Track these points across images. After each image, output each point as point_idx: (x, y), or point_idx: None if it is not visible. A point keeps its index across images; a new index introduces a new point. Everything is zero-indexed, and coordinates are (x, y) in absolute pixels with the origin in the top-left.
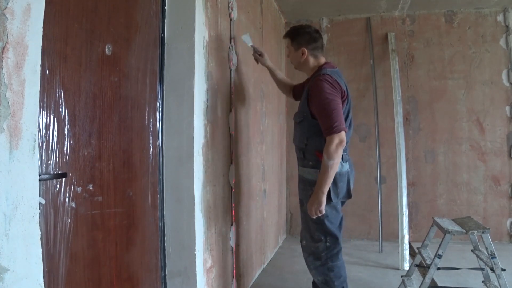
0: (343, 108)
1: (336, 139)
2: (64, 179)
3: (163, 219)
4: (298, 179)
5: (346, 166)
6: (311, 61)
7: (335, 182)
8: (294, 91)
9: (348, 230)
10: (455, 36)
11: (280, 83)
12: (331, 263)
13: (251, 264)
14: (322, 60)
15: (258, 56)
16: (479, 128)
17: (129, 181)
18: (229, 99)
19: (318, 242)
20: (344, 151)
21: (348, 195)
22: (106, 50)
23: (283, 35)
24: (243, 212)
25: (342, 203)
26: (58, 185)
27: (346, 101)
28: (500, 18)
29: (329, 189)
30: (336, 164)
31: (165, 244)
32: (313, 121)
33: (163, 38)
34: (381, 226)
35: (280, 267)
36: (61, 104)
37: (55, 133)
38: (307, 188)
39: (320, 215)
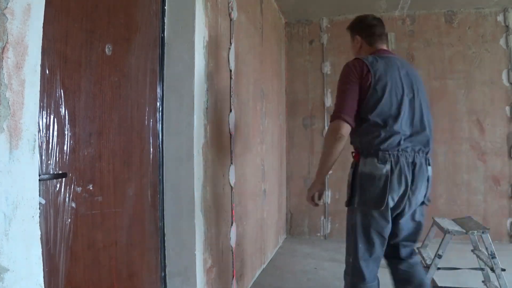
0: (371, 93)
1: (331, 126)
2: (64, 179)
3: (163, 219)
4: None
5: (384, 168)
6: (366, 48)
7: (361, 183)
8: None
9: None
10: (455, 36)
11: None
12: (348, 279)
13: (251, 264)
14: (378, 47)
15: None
16: (479, 128)
17: (129, 181)
18: (229, 99)
19: (347, 254)
20: (389, 149)
21: (380, 204)
22: (106, 50)
23: (288, 30)
24: (243, 212)
25: (398, 215)
26: (58, 185)
27: (370, 86)
28: (500, 18)
29: (352, 190)
30: (328, 155)
31: (165, 244)
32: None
33: (163, 38)
34: None
35: (280, 267)
36: (61, 104)
37: (55, 133)
38: (347, 190)
39: (310, 202)
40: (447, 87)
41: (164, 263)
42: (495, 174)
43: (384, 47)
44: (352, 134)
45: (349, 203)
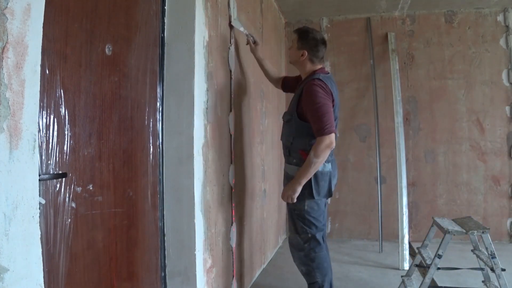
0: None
1: (326, 140)
2: (64, 179)
3: (163, 219)
4: (283, 175)
5: (329, 166)
6: (308, 65)
7: (317, 180)
8: (284, 83)
9: (348, 230)
10: (455, 36)
11: (268, 74)
12: (313, 253)
13: (251, 264)
14: (318, 66)
15: (252, 44)
16: (479, 128)
17: (129, 181)
18: (229, 99)
19: (302, 234)
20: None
21: (329, 193)
22: (106, 50)
23: (288, 30)
24: (243, 212)
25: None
26: (58, 185)
27: (334, 106)
28: (500, 18)
29: (311, 187)
30: (319, 163)
31: (165, 244)
32: (300, 122)
33: (163, 38)
34: (381, 226)
35: (280, 267)
36: (61, 104)
37: (55, 133)
38: None
39: (290, 202)
40: (447, 87)
41: (164, 263)
42: (495, 174)
43: (320, 66)
44: (303, 137)
45: (304, 193)
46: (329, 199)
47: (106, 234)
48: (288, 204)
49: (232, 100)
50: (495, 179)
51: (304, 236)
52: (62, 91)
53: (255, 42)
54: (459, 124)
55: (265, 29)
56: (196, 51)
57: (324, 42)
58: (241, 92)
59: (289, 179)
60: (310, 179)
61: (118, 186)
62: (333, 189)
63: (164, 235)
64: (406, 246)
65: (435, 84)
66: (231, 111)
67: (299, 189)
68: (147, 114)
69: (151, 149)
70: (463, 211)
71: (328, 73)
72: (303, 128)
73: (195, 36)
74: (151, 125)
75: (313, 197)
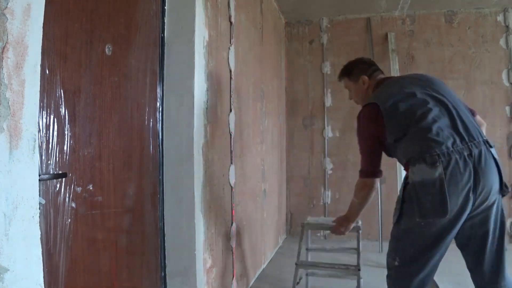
0: (390, 119)
1: (360, 182)
2: (64, 179)
3: (163, 219)
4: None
5: (436, 172)
6: (371, 83)
7: (417, 195)
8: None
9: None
10: (455, 36)
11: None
12: (397, 284)
13: (251, 264)
14: (380, 78)
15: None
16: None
17: (129, 181)
18: (229, 99)
19: (389, 256)
20: (431, 153)
21: (441, 211)
22: (106, 50)
23: (288, 30)
24: (243, 212)
25: (453, 222)
26: (58, 185)
27: (388, 111)
28: (500, 18)
29: (412, 202)
30: (360, 205)
31: (165, 244)
32: (389, 143)
33: (163, 38)
34: (381, 226)
35: (280, 267)
36: (61, 104)
37: (55, 133)
38: (396, 207)
39: (340, 235)
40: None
41: (164, 263)
42: None
43: (382, 75)
44: (397, 156)
45: (403, 215)
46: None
47: (106, 234)
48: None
49: (232, 100)
50: None
51: (390, 260)
52: (62, 91)
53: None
54: None
55: (265, 29)
56: (196, 51)
57: (367, 59)
58: (241, 92)
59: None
60: (403, 196)
61: (118, 186)
62: (455, 206)
63: (164, 235)
64: None
65: None
66: (231, 111)
67: (350, 226)
68: (147, 114)
69: (151, 149)
70: None
71: (390, 79)
72: (392, 148)
73: (195, 36)
74: (151, 125)
75: (408, 216)
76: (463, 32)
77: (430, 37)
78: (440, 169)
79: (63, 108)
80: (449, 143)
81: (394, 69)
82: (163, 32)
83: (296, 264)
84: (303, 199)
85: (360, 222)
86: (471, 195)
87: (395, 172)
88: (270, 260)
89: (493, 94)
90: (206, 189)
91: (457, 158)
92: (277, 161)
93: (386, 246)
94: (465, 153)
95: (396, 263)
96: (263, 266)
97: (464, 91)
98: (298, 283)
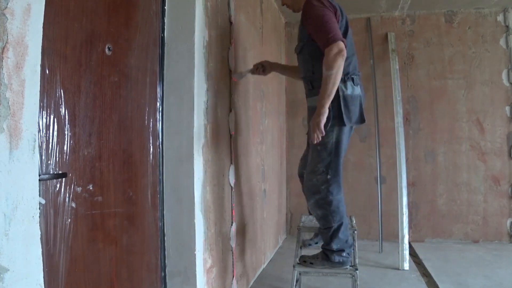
0: (338, 24)
1: (334, 48)
2: (64, 179)
3: (163, 219)
4: (307, 113)
5: (358, 90)
6: None
7: (347, 105)
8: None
9: None
10: (455, 36)
11: (292, 73)
12: (331, 197)
13: (251, 264)
14: None
15: (262, 72)
16: (479, 128)
17: (129, 181)
18: (229, 99)
19: (318, 174)
20: (355, 74)
21: (361, 119)
22: (106, 50)
23: (288, 30)
24: (243, 212)
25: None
26: (58, 185)
27: (341, 19)
28: (500, 18)
29: (341, 112)
30: (336, 75)
31: (165, 244)
32: (313, 43)
33: (163, 38)
34: (381, 226)
35: (280, 268)
36: (61, 104)
37: (55, 133)
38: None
39: (320, 135)
40: (447, 87)
41: (164, 263)
42: (495, 174)
43: None
44: (320, 61)
45: (334, 123)
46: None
47: (106, 234)
48: (308, 141)
49: (232, 100)
50: (495, 179)
51: (321, 178)
52: (62, 91)
53: (263, 69)
54: (459, 124)
55: (265, 29)
56: (196, 51)
57: None
58: (241, 92)
59: (314, 112)
60: (339, 105)
61: (118, 186)
62: (364, 115)
63: (164, 235)
64: (406, 246)
65: (435, 84)
66: (231, 111)
67: (325, 114)
68: (147, 114)
69: (151, 149)
70: (463, 211)
71: None
72: (319, 51)
73: (195, 36)
74: (151, 125)
75: (344, 124)
76: (463, 32)
77: (430, 37)
78: (359, 88)
79: (63, 108)
80: (359, 74)
81: (394, 69)
82: (163, 32)
83: (293, 266)
84: (303, 199)
85: (354, 221)
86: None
87: (395, 172)
88: (270, 260)
89: (493, 94)
90: (206, 189)
91: (360, 85)
92: (277, 161)
93: (386, 246)
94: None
95: (329, 177)
96: (263, 266)
97: (464, 91)
98: (297, 281)
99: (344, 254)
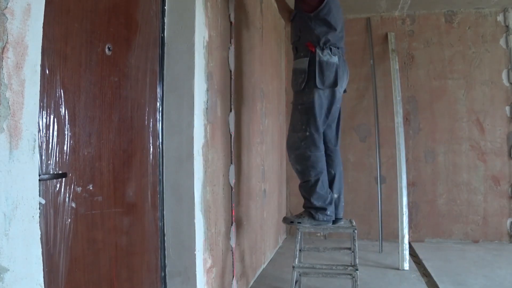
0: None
1: None
2: (64, 179)
3: (163, 219)
4: (291, 75)
5: (335, 59)
6: None
7: (321, 69)
8: None
9: None
10: (455, 36)
11: (283, 6)
12: (309, 152)
13: (251, 264)
14: None
15: None
16: (479, 128)
17: (129, 181)
18: (229, 99)
19: (299, 132)
20: (335, 46)
21: (335, 83)
22: (106, 50)
23: (288, 31)
24: (243, 212)
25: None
26: (58, 185)
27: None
28: (500, 18)
29: (315, 75)
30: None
31: (165, 244)
32: (303, 14)
33: (163, 38)
34: (381, 226)
35: (280, 268)
36: (61, 104)
37: (55, 133)
38: (298, 76)
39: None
40: (447, 87)
41: (164, 263)
42: (495, 174)
43: None
44: (309, 30)
45: (310, 84)
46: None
47: (106, 234)
48: (295, 98)
49: (232, 100)
50: (495, 179)
51: (301, 135)
52: (62, 91)
53: None
54: (459, 124)
55: (265, 29)
56: (196, 51)
57: None
58: (241, 92)
59: (296, 73)
60: (315, 69)
61: (118, 186)
62: (342, 85)
63: (164, 235)
64: (406, 246)
65: (435, 84)
66: (231, 111)
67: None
68: (147, 114)
69: (151, 149)
70: (463, 211)
71: None
72: (306, 21)
73: (195, 36)
74: (151, 125)
75: (316, 86)
76: (463, 32)
77: (430, 37)
78: (336, 58)
79: (63, 108)
80: (341, 45)
81: (394, 69)
82: (163, 32)
83: (293, 266)
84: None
85: (354, 222)
86: (344, 81)
87: (395, 172)
88: (270, 260)
89: (493, 94)
90: (206, 189)
91: (341, 56)
92: (277, 161)
93: (386, 246)
94: (341, 54)
95: (307, 134)
96: (263, 266)
97: (464, 91)
98: (296, 282)
99: (328, 212)
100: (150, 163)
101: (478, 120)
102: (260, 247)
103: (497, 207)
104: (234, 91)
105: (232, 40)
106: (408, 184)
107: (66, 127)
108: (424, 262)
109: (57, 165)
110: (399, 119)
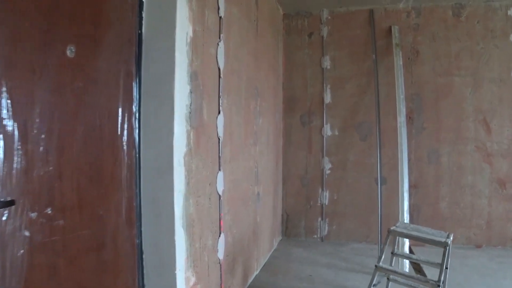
0: None
1: None
2: (13, 207)
3: (141, 236)
4: None
5: None
6: None
7: None
8: None
9: (347, 233)
10: (463, 30)
11: None
12: None
13: (242, 273)
14: None
15: None
16: (485, 128)
17: (98, 199)
18: (218, 100)
19: None
20: None
21: None
22: (68, 52)
23: (286, 23)
24: (233, 220)
25: None
26: (6, 214)
27: None
28: (511, 12)
29: None
30: None
31: (144, 263)
32: None
33: (140, 35)
34: (381, 229)
35: (274, 274)
36: (9, 118)
37: (1, 153)
38: None
39: None
40: (453, 84)
41: (143, 283)
42: (500, 176)
43: None
44: None
45: None
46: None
47: (70, 260)
48: None
49: (221, 101)
50: (500, 182)
51: None
52: (9, 102)
53: None
54: (465, 123)
55: (260, 22)
56: (178, 49)
57: None
58: (232, 92)
59: None
60: None
61: (84, 205)
62: None
63: (142, 253)
64: (407, 250)
65: (440, 81)
66: (219, 113)
67: None
68: (120, 122)
69: (126, 161)
70: (467, 215)
71: None
72: None
73: (176, 32)
74: (125, 134)
75: None
76: (471, 27)
77: (436, 31)
78: None
79: (12, 122)
80: None
81: (397, 64)
82: (140, 28)
83: (375, 266)
84: (299, 200)
85: (451, 238)
86: None
87: (396, 173)
88: (264, 265)
89: (502, 92)
90: (189, 202)
91: None
92: (273, 161)
93: (386, 250)
94: None
95: None
96: (256, 272)
97: (471, 89)
98: (375, 285)
99: None
100: (124, 177)
101: (485, 119)
102: (253, 253)
103: (502, 211)
104: (223, 91)
105: (222, 36)
106: (410, 186)
107: (16, 144)
108: (425, 269)
109: (4, 191)
110: (402, 118)
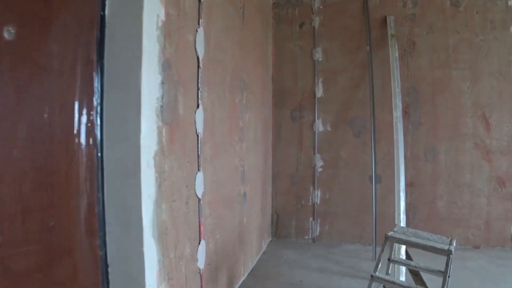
0: None
1: None
2: None
3: (105, 247)
4: None
5: None
6: None
7: None
8: None
9: (339, 233)
10: (461, 21)
11: None
12: None
13: (228, 280)
14: None
15: None
16: (484, 124)
17: (48, 207)
18: (196, 92)
19: None
20: None
21: None
22: (6, 34)
23: (276, 12)
24: (215, 224)
25: None
26: None
27: None
28: (511, 2)
29: None
30: None
31: (109, 276)
32: None
33: (103, 17)
34: (375, 229)
35: (262, 279)
36: None
37: None
38: None
39: None
40: (451, 78)
41: None
42: (500, 175)
43: None
44: None
45: None
46: None
47: (13, 282)
48: None
49: (200, 93)
50: (500, 180)
51: None
52: None
53: None
54: (463, 119)
55: (247, 10)
56: (145, 34)
57: None
58: (213, 84)
59: None
60: None
61: (29, 216)
62: None
63: (107, 266)
64: (403, 252)
65: (438, 74)
66: (198, 107)
67: None
68: (77, 116)
69: (85, 162)
70: (465, 214)
71: None
72: None
73: (143, 14)
74: (83, 131)
75: None
76: (470, 17)
77: (434, 22)
78: None
79: None
80: None
81: (393, 57)
82: (103, 9)
83: (371, 276)
84: (290, 199)
85: (454, 244)
86: None
87: (391, 171)
88: (252, 269)
89: (501, 87)
90: (161, 208)
91: None
92: (262, 159)
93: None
94: None
95: None
96: (243, 278)
97: (469, 83)
98: None
99: None
100: (84, 180)
101: (484, 115)
102: (239, 258)
103: (501, 211)
104: (203, 83)
105: (201, 21)
106: (406, 185)
107: None
108: (422, 273)
109: None
110: (398, 113)
